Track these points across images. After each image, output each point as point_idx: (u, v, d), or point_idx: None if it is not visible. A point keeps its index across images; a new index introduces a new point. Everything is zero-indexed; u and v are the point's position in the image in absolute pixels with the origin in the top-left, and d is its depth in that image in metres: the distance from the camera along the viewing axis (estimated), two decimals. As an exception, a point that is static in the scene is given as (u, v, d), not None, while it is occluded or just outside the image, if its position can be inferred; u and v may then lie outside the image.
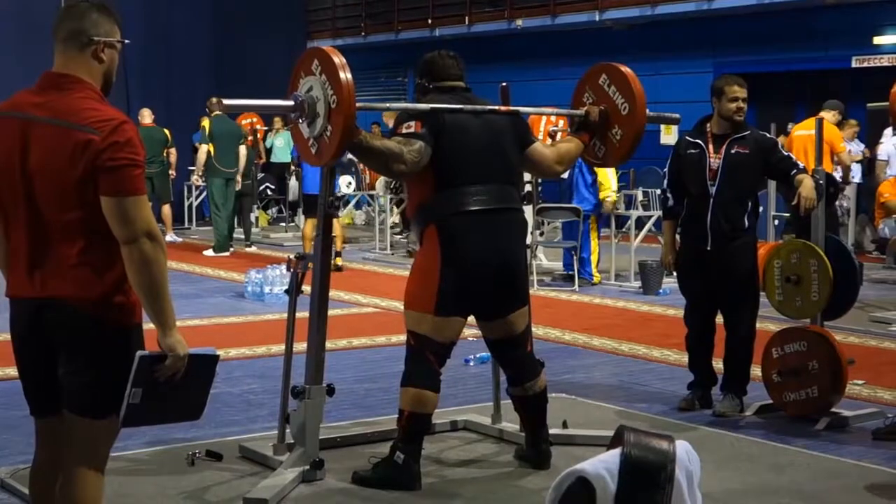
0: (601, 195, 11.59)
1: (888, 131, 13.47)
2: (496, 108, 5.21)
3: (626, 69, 5.45)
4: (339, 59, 4.62)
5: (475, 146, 4.98)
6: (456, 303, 4.98)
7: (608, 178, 11.60)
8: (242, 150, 14.69)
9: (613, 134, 5.39)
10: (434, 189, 4.95)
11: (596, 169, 11.11)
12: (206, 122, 14.62)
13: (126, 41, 3.48)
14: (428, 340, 4.97)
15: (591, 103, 5.47)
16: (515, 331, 5.18)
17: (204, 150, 14.41)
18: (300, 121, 4.77)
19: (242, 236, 15.43)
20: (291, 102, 4.79)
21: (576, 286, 11.34)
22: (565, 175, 11.25)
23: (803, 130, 11.44)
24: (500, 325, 5.17)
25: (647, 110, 5.45)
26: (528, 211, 11.00)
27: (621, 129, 5.36)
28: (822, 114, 10.47)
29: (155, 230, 3.25)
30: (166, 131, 15.61)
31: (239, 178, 14.66)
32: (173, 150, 15.89)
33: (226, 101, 4.95)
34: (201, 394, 3.51)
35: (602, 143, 5.45)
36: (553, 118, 12.19)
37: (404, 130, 4.91)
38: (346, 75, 4.58)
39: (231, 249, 14.56)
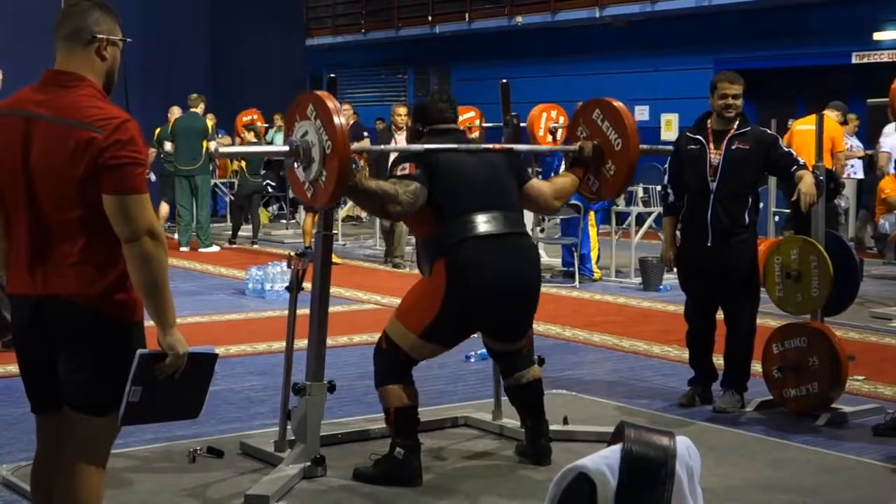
0: None
1: (888, 128, 13.47)
2: (490, 146, 5.31)
3: (618, 104, 5.50)
4: (332, 103, 4.63)
5: (473, 179, 5.01)
6: (447, 335, 5.05)
7: None
8: (212, 145, 14.72)
9: (607, 169, 5.44)
10: (437, 223, 4.96)
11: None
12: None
13: (128, 39, 3.48)
14: (402, 352, 5.01)
15: (585, 138, 5.50)
16: (516, 347, 5.26)
17: (167, 147, 14.49)
18: (296, 165, 4.76)
19: (249, 234, 15.47)
20: (287, 147, 4.79)
21: (576, 282, 11.34)
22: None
23: (804, 126, 11.44)
24: (501, 343, 5.25)
25: (640, 145, 5.50)
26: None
27: (615, 164, 5.40)
28: (826, 112, 10.46)
29: (157, 228, 3.26)
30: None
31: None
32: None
33: (222, 149, 5.08)
34: (200, 392, 3.52)
35: (596, 177, 5.51)
36: (553, 115, 12.21)
37: (399, 172, 4.95)
38: (340, 120, 4.58)
39: (213, 247, 14.59)
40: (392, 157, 11.52)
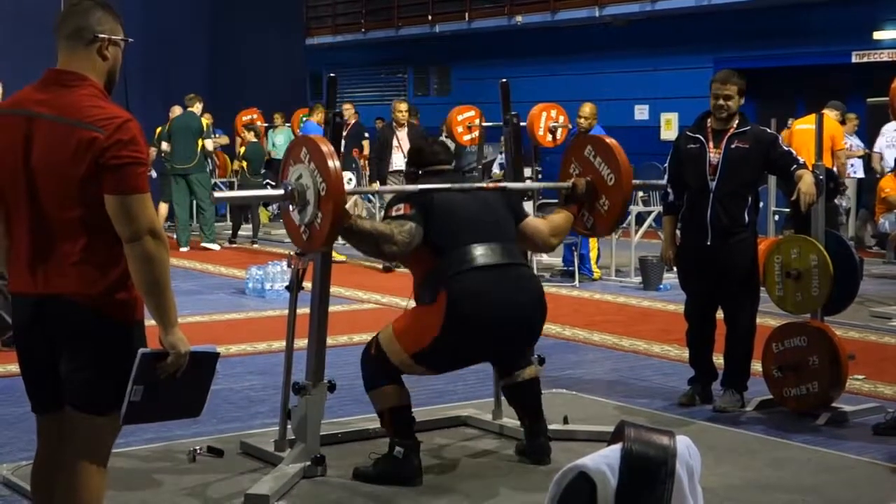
0: None
1: (886, 127, 13.49)
2: (483, 185, 5.39)
3: (610, 141, 5.50)
4: (326, 147, 4.63)
5: (468, 214, 5.03)
6: (439, 362, 5.07)
7: None
8: (209, 143, 14.72)
9: (601, 204, 5.42)
10: (435, 258, 4.95)
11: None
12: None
13: (130, 39, 3.49)
14: (391, 365, 5.02)
15: (578, 175, 5.50)
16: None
17: (164, 146, 14.51)
18: (291, 208, 4.77)
19: (249, 233, 15.48)
20: (281, 191, 4.80)
21: (576, 282, 11.34)
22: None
23: (804, 125, 11.44)
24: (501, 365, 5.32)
25: (633, 180, 5.51)
26: (529, 206, 11.02)
27: (608, 200, 5.39)
28: (825, 111, 10.46)
29: (158, 228, 3.26)
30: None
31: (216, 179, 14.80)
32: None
33: (217, 194, 5.15)
34: (201, 392, 3.52)
35: (590, 213, 5.49)
36: (553, 114, 12.21)
37: (394, 213, 4.97)
38: (334, 163, 4.58)
39: (216, 246, 14.62)
40: (395, 154, 11.19)
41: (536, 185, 6.03)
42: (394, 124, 12.72)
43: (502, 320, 4.93)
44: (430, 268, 4.96)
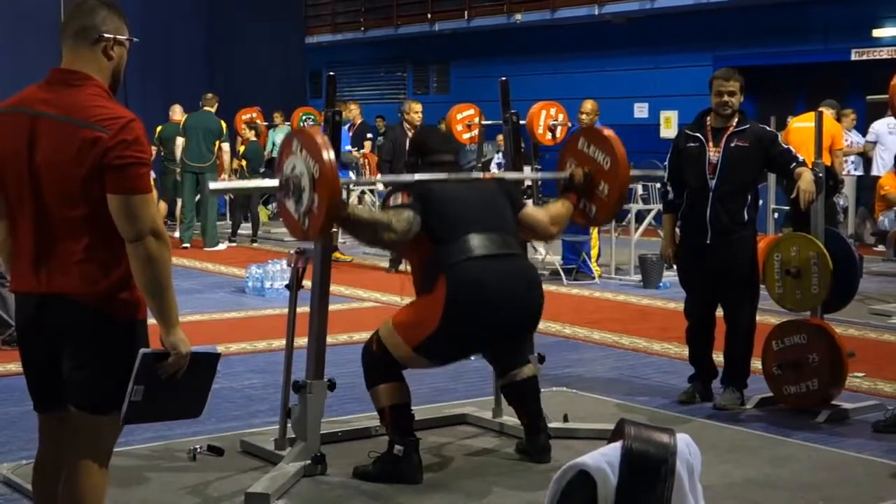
0: None
1: (875, 126, 13.54)
2: (481, 176, 5.41)
3: (604, 130, 5.54)
4: (319, 137, 4.64)
5: (466, 202, 5.04)
6: (441, 352, 5.05)
7: None
8: (226, 146, 14.72)
9: (601, 191, 5.42)
10: (434, 247, 4.95)
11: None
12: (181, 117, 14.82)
13: (135, 39, 3.49)
14: (392, 359, 5.02)
15: (576, 167, 5.51)
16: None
17: (179, 142, 14.50)
18: (287, 199, 4.77)
19: (249, 232, 15.48)
20: (277, 181, 4.81)
21: (573, 279, 11.34)
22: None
23: (802, 123, 11.44)
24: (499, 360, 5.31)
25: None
26: (529, 205, 11.00)
27: (607, 184, 5.39)
28: (821, 110, 10.45)
29: (160, 228, 3.26)
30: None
31: (225, 175, 14.71)
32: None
33: (212, 185, 5.25)
34: (202, 392, 3.53)
35: (591, 202, 5.49)
36: (553, 112, 12.21)
37: (392, 203, 4.98)
38: (327, 151, 4.56)
39: (221, 245, 14.62)
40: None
41: (534, 175, 6.02)
42: (405, 125, 12.14)
43: (501, 309, 4.92)
44: (429, 257, 4.96)
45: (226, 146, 14.77)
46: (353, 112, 15.40)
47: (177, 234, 14.87)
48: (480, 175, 5.33)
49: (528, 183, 9.31)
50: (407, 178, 5.14)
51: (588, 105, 11.30)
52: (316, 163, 4.55)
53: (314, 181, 4.56)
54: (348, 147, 12.83)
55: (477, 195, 5.11)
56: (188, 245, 14.42)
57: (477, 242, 4.93)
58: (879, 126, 13.57)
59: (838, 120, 12.37)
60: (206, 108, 14.62)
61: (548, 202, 5.82)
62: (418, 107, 12.28)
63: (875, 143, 13.61)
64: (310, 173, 4.58)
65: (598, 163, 5.39)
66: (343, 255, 13.25)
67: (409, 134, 11.85)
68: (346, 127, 13.41)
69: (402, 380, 5.07)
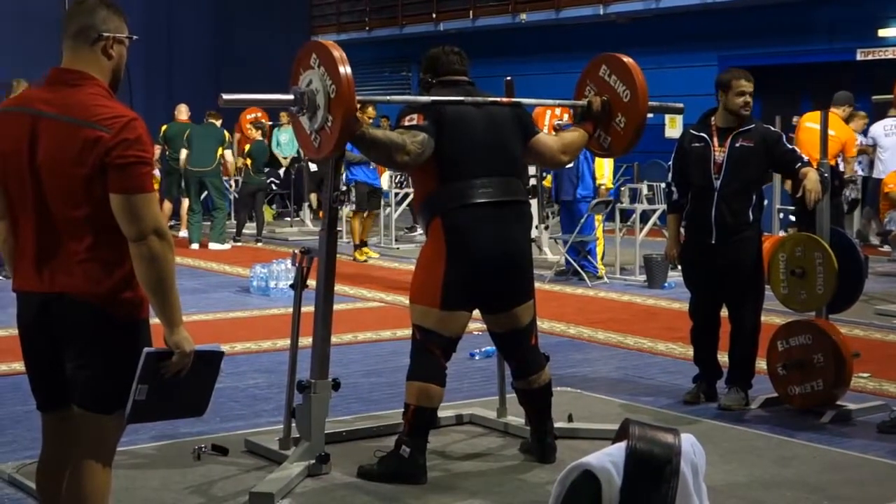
0: (597, 182, 11.68)
1: (873, 128, 13.50)
2: (498, 99, 5.22)
3: (626, 59, 5.45)
4: (338, 52, 4.62)
5: (478, 140, 4.99)
6: (460, 296, 4.99)
7: (603, 166, 11.70)
8: (228, 154, 14.78)
9: (617, 123, 5.39)
10: (438, 182, 4.96)
11: (596, 159, 11.18)
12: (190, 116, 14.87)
13: (135, 37, 3.49)
14: (433, 334, 4.98)
15: (594, 94, 5.48)
16: (520, 324, 5.18)
17: (183, 154, 14.56)
18: (301, 114, 4.77)
19: (253, 231, 15.49)
20: (291, 96, 4.79)
21: (576, 278, 11.34)
22: (571, 164, 11.26)
23: (812, 124, 11.33)
24: (504, 319, 5.17)
25: (650, 100, 5.45)
26: (532, 205, 10.99)
27: (625, 117, 5.35)
28: (833, 110, 10.36)
29: (163, 227, 3.26)
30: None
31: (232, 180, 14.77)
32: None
33: (225, 96, 4.82)
34: (206, 391, 3.53)
35: (606, 133, 5.46)
36: (558, 112, 12.20)
37: (406, 123, 4.93)
38: (344, 68, 4.57)
39: (227, 244, 14.65)
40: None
41: (553, 102, 5.92)
42: None
43: (497, 257, 4.95)
44: (434, 190, 4.97)
45: (228, 153, 14.88)
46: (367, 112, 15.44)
47: (181, 234, 14.89)
48: (497, 98, 5.23)
49: (532, 182, 9.30)
50: (423, 99, 5.05)
51: None
52: (332, 80, 4.53)
53: (329, 99, 4.55)
54: None
55: (489, 127, 5.04)
56: (196, 245, 14.44)
57: (478, 188, 4.93)
58: (876, 129, 13.51)
59: (849, 119, 12.06)
60: (211, 120, 14.75)
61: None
62: None
63: (874, 145, 13.57)
64: (325, 90, 4.57)
65: (617, 93, 5.36)
66: (371, 252, 13.21)
67: None
68: None
69: (440, 383, 5.01)
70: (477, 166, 4.96)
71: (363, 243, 13.50)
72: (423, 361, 5.01)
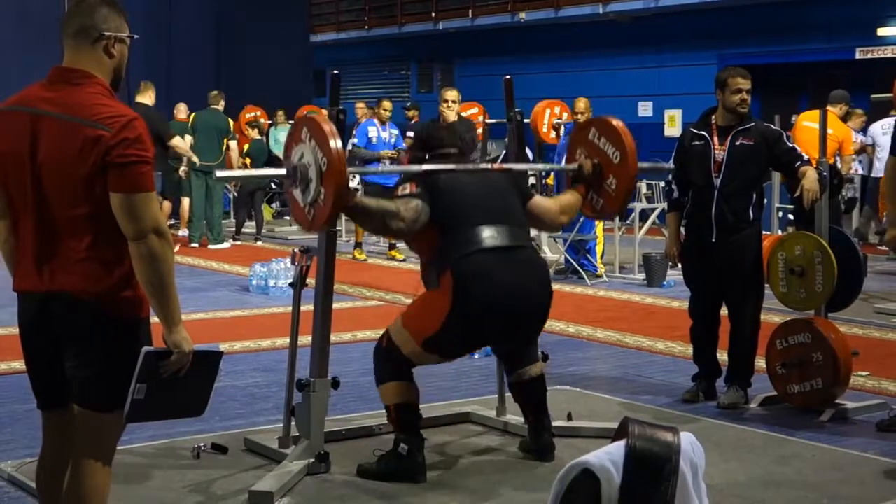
0: None
1: (871, 128, 13.51)
2: (489, 166, 5.40)
3: (615, 121, 5.48)
4: (328, 126, 4.64)
5: (475, 194, 5.03)
6: (449, 347, 5.05)
7: None
8: (233, 144, 14.69)
9: (608, 184, 5.42)
10: (441, 236, 4.94)
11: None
12: (190, 114, 14.75)
13: (135, 36, 3.49)
14: (402, 356, 5.01)
15: (585, 158, 5.51)
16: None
17: (188, 140, 14.52)
18: (294, 187, 4.78)
19: (252, 230, 15.48)
20: (284, 170, 4.82)
21: (575, 277, 11.34)
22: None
23: (810, 123, 11.35)
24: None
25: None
26: (537, 196, 10.96)
27: (616, 179, 5.39)
28: (830, 108, 10.37)
29: (163, 227, 3.26)
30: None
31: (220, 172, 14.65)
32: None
33: (219, 173, 5.16)
34: (205, 390, 3.53)
35: (599, 195, 5.49)
36: (557, 111, 12.22)
37: (400, 193, 4.98)
38: (335, 142, 4.57)
39: (226, 243, 14.61)
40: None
41: (542, 166, 5.98)
42: (441, 119, 10.94)
43: (509, 302, 4.90)
44: (437, 247, 4.95)
45: (233, 143, 14.77)
46: (360, 111, 15.41)
47: (181, 233, 14.87)
48: (489, 166, 5.31)
49: (532, 181, 9.31)
50: (416, 168, 5.13)
51: (581, 104, 11.30)
52: (323, 153, 4.56)
53: (321, 172, 4.57)
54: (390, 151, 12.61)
55: (485, 186, 5.10)
56: (197, 244, 14.43)
57: (486, 234, 4.92)
58: (875, 128, 13.53)
59: (847, 117, 12.11)
60: (214, 107, 14.61)
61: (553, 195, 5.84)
62: (451, 95, 11.26)
63: (872, 145, 13.59)
64: (317, 164, 4.59)
65: (607, 155, 5.39)
66: (398, 253, 13.16)
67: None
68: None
69: (411, 379, 5.07)
70: (479, 215, 4.96)
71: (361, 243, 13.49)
72: (387, 365, 5.05)
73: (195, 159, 13.50)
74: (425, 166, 5.09)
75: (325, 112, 4.81)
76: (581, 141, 5.56)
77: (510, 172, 5.38)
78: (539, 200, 5.38)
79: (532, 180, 11.41)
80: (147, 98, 13.09)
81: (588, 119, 5.63)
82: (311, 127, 4.68)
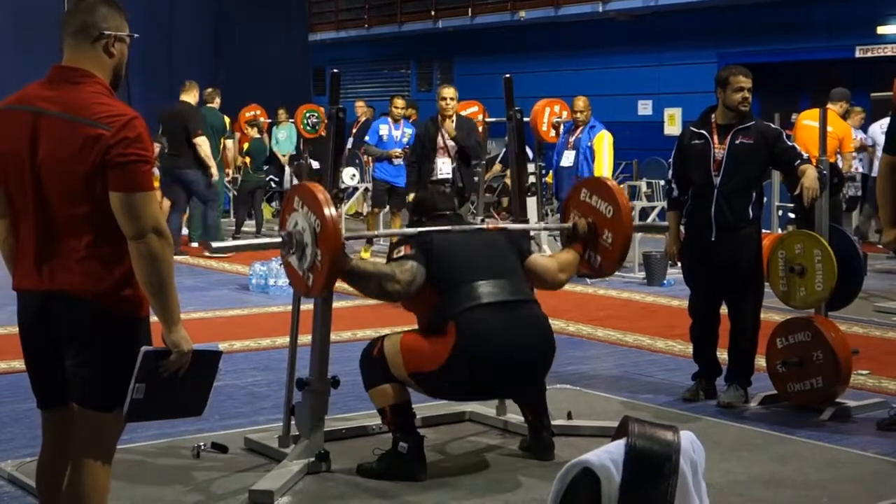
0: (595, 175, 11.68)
1: (871, 128, 13.50)
2: (484, 227, 5.47)
3: (606, 181, 5.62)
4: (322, 194, 4.69)
5: (471, 252, 5.05)
6: (435, 390, 5.06)
7: (602, 164, 11.67)
8: (230, 143, 14.66)
9: (605, 239, 5.44)
10: (440, 296, 4.94)
11: (596, 157, 11.16)
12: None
13: (135, 35, 3.49)
14: (391, 374, 5.01)
15: (579, 217, 5.53)
16: None
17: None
18: (290, 254, 4.80)
19: (252, 229, 15.48)
20: (279, 238, 4.87)
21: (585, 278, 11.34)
22: (570, 163, 11.25)
23: (810, 121, 11.36)
24: None
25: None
26: (532, 203, 10.98)
27: (611, 233, 5.41)
28: (830, 106, 10.37)
29: (162, 226, 3.26)
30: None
31: (229, 171, 14.63)
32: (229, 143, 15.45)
33: (214, 244, 5.42)
34: (204, 390, 3.53)
35: (595, 252, 5.50)
36: (556, 109, 12.21)
37: (395, 256, 4.99)
38: (329, 210, 4.61)
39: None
40: (440, 157, 10.28)
41: (539, 226, 6.04)
42: (438, 118, 10.45)
43: (509, 361, 4.93)
44: (436, 304, 4.94)
45: (230, 143, 14.75)
46: (360, 110, 15.40)
47: (183, 232, 14.87)
48: (484, 226, 5.35)
49: (531, 179, 9.30)
50: (410, 231, 5.17)
51: (580, 102, 11.28)
52: (317, 218, 4.60)
53: (316, 236, 4.61)
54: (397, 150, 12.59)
55: (481, 243, 5.13)
56: (196, 244, 14.41)
57: (485, 290, 4.93)
58: (874, 128, 13.55)
59: (846, 115, 12.14)
60: (210, 105, 14.59)
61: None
62: (449, 92, 10.63)
63: (873, 145, 13.59)
64: (312, 228, 4.64)
65: (600, 212, 5.43)
66: (364, 251, 13.18)
67: (443, 126, 10.41)
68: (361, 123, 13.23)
69: (395, 380, 5.06)
70: (477, 271, 4.97)
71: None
72: (376, 369, 5.05)
73: (214, 170, 13.40)
74: (419, 229, 5.13)
75: (318, 184, 4.85)
76: (574, 203, 5.60)
77: (506, 231, 5.40)
78: (537, 259, 5.41)
79: (532, 178, 11.42)
80: (191, 97, 13.23)
81: (578, 182, 5.71)
82: (303, 195, 4.74)
